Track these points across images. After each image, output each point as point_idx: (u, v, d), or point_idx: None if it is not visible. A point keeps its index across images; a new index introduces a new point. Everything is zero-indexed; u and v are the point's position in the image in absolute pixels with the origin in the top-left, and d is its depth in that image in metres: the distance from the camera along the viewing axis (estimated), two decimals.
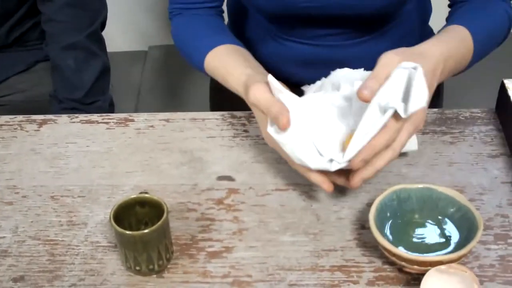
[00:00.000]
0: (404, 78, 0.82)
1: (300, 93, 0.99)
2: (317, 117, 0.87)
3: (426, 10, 1.20)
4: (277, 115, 0.83)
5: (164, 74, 2.19)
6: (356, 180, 0.83)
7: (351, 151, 0.81)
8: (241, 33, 1.19)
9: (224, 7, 1.19)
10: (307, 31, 1.10)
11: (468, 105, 1.09)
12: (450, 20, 1.03)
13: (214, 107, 1.36)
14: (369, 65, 0.95)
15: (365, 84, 0.81)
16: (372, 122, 0.81)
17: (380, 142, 0.81)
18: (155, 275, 0.82)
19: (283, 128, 0.83)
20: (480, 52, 0.99)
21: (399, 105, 0.80)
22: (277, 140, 0.85)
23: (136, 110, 2.03)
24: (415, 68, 0.82)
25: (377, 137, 0.81)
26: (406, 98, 0.82)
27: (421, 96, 0.82)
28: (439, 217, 0.85)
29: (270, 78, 0.87)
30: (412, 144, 0.95)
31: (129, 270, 0.82)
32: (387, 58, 0.84)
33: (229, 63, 1.00)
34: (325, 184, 0.85)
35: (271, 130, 0.85)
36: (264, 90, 0.87)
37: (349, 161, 0.82)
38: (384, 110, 0.80)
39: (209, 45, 1.04)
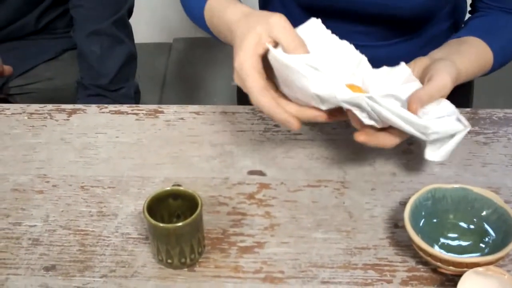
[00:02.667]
0: (454, 128, 0.83)
1: None
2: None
3: (461, 12, 1.18)
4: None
5: (189, 66, 2.19)
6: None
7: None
8: None
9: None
10: (338, 26, 1.09)
11: (500, 105, 1.08)
12: (474, 28, 1.01)
13: (241, 99, 1.35)
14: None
15: (419, 96, 0.82)
16: (403, 121, 0.81)
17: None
18: (186, 269, 0.82)
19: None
20: (497, 67, 1.00)
21: (432, 142, 0.84)
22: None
23: (160, 102, 2.02)
24: (465, 126, 0.84)
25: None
26: (441, 141, 0.84)
27: (451, 151, 0.85)
28: (474, 219, 0.83)
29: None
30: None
31: (160, 263, 0.82)
32: (444, 80, 0.84)
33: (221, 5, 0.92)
34: (321, 117, 0.82)
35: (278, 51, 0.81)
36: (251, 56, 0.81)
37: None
38: (421, 132, 0.81)
39: None
